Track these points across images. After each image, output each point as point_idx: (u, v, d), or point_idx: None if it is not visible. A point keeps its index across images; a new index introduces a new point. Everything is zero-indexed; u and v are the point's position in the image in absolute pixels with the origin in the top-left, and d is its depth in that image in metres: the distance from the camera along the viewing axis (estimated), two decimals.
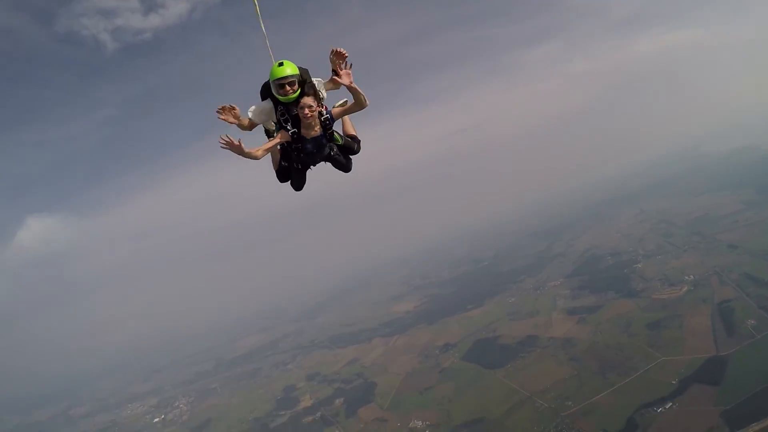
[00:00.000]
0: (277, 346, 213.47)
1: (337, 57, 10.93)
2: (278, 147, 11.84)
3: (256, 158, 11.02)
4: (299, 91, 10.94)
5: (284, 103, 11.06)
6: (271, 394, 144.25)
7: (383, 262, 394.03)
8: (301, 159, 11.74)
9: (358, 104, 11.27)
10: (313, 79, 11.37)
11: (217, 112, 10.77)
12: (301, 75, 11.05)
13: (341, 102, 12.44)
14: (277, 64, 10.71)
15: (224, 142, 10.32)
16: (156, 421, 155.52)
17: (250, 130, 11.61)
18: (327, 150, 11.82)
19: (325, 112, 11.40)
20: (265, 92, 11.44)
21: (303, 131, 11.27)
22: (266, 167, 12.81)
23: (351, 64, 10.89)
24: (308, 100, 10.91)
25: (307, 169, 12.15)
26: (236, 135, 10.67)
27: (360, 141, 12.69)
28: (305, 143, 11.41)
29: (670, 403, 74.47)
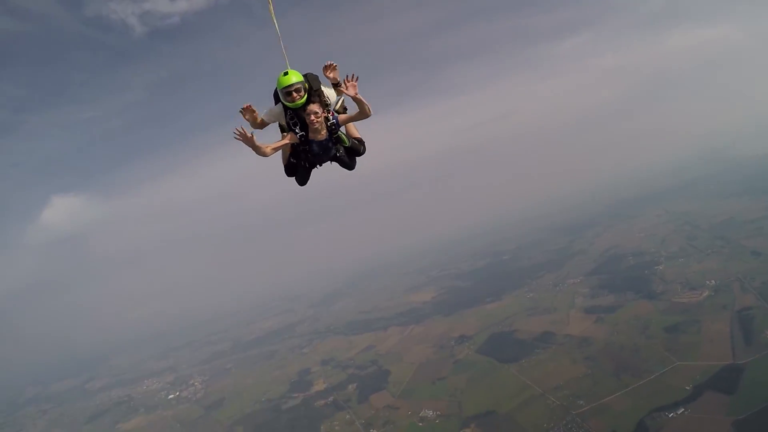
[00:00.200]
0: (293, 330, 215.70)
1: (325, 70, 12.05)
2: (288, 145, 12.60)
3: (264, 155, 11.89)
4: (306, 97, 11.74)
5: (292, 108, 11.83)
6: (285, 377, 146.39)
7: (403, 252, 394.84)
8: (308, 159, 12.58)
9: (363, 113, 11.95)
10: (322, 86, 12.17)
11: (241, 111, 11.73)
12: (309, 82, 11.86)
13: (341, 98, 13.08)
14: (282, 73, 11.51)
15: (238, 134, 11.14)
16: (171, 398, 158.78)
17: (261, 128, 12.36)
18: (333, 151, 12.65)
19: (331, 118, 12.21)
20: (277, 97, 12.24)
21: (310, 134, 12.08)
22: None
23: (357, 77, 11.48)
24: (314, 108, 11.68)
25: (313, 168, 12.97)
26: (248, 130, 11.47)
27: (365, 143, 13.49)
28: (312, 145, 12.24)
29: (683, 409, 73.92)
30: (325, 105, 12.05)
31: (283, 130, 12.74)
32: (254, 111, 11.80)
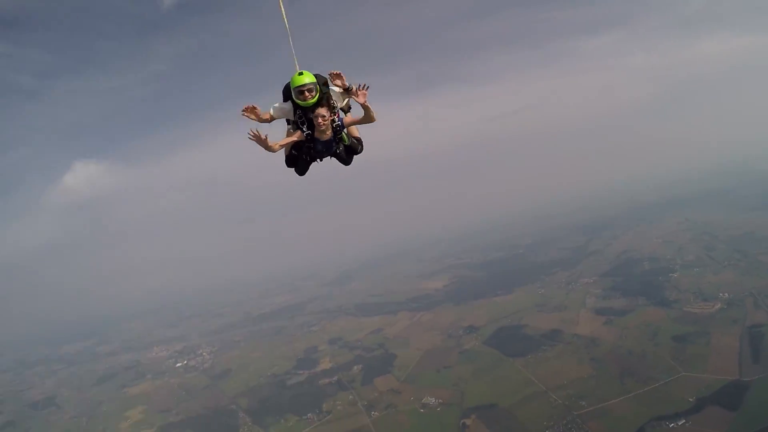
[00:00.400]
0: (304, 307, 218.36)
1: (332, 78, 12.63)
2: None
3: (273, 151, 12.64)
4: (317, 97, 12.42)
5: (302, 106, 12.52)
6: (292, 353, 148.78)
7: (419, 239, 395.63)
8: (310, 154, 13.28)
9: (368, 119, 12.94)
10: (332, 88, 12.90)
11: (243, 113, 12.32)
12: (319, 84, 12.55)
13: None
14: (297, 73, 12.19)
15: (252, 135, 11.91)
16: (178, 366, 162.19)
17: (269, 123, 12.97)
18: (334, 149, 13.43)
19: (337, 120, 12.98)
20: (287, 93, 12.93)
21: (316, 134, 12.75)
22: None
23: (368, 86, 12.51)
24: (322, 111, 12.40)
25: (313, 162, 13.69)
26: (255, 127, 12.18)
27: (363, 143, 14.26)
28: (317, 144, 12.94)
29: (684, 420, 73.76)
30: (332, 108, 12.80)
31: (289, 123, 13.47)
32: (256, 108, 12.40)
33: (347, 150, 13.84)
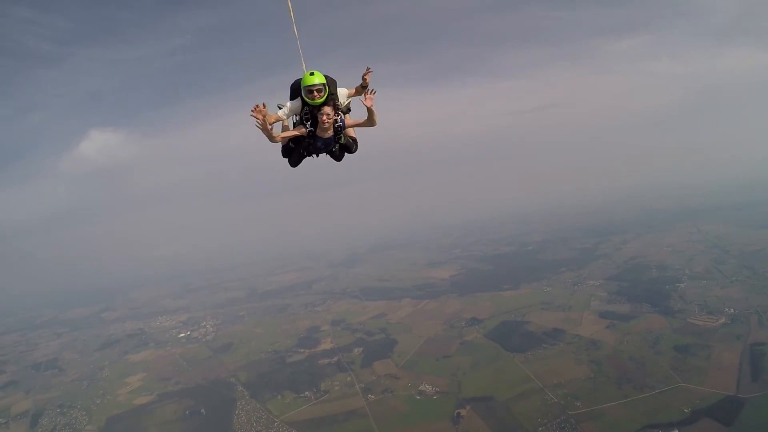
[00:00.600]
0: (310, 287, 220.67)
1: (365, 73, 13.68)
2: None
3: (274, 141, 13.49)
4: (324, 97, 13.29)
5: (310, 104, 13.37)
6: (294, 331, 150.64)
7: (430, 226, 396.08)
8: (308, 149, 14.10)
9: (370, 122, 13.97)
10: (338, 89, 13.92)
11: (252, 114, 12.70)
12: (328, 85, 13.40)
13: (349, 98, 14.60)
14: (309, 73, 13.03)
15: (259, 124, 12.61)
16: (181, 336, 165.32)
17: (272, 123, 13.46)
18: (331, 147, 14.37)
19: (339, 120, 13.86)
20: (294, 92, 13.83)
21: (318, 131, 13.68)
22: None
23: (375, 92, 13.45)
24: (328, 110, 13.30)
25: (308, 156, 14.50)
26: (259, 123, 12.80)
27: (357, 143, 15.09)
28: (317, 141, 13.86)
29: (677, 431, 74.06)
30: (336, 108, 13.66)
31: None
32: (265, 108, 12.78)
33: (342, 148, 14.64)
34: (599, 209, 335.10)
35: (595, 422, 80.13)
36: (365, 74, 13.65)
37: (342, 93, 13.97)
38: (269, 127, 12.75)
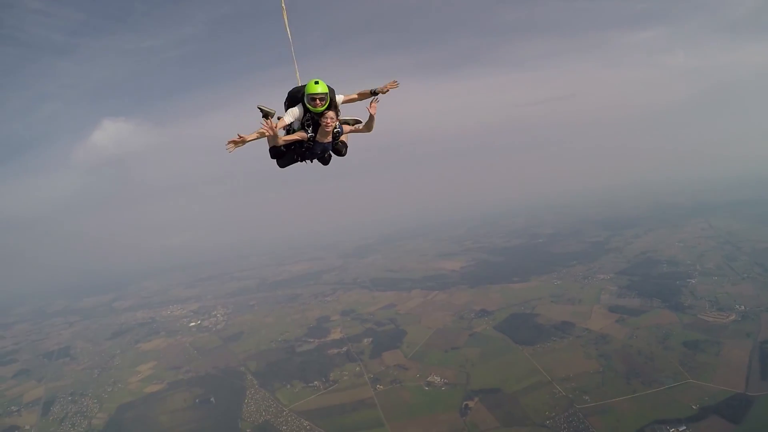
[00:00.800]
0: (320, 277, 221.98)
1: (391, 84, 14.16)
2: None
3: (276, 145, 13.93)
4: (326, 105, 13.55)
5: (311, 112, 13.66)
6: (304, 321, 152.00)
7: (442, 218, 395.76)
8: (303, 153, 14.35)
9: (368, 128, 14.65)
10: (337, 95, 14.18)
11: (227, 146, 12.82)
12: (330, 93, 13.78)
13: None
14: (313, 81, 13.40)
15: (267, 129, 12.95)
16: (192, 325, 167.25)
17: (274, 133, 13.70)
18: (327, 152, 14.73)
19: (338, 126, 14.20)
20: (291, 100, 14.20)
21: (318, 137, 13.94)
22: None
23: (378, 101, 13.94)
24: (332, 114, 13.64)
25: (301, 161, 14.73)
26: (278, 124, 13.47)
27: (347, 147, 15.35)
28: (316, 146, 14.11)
29: (684, 427, 73.67)
30: (337, 114, 14.04)
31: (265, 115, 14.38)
32: (242, 138, 12.66)
33: (334, 152, 14.98)
34: (611, 203, 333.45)
35: (602, 417, 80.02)
36: (389, 85, 14.17)
37: (339, 99, 14.27)
38: (278, 136, 13.20)
